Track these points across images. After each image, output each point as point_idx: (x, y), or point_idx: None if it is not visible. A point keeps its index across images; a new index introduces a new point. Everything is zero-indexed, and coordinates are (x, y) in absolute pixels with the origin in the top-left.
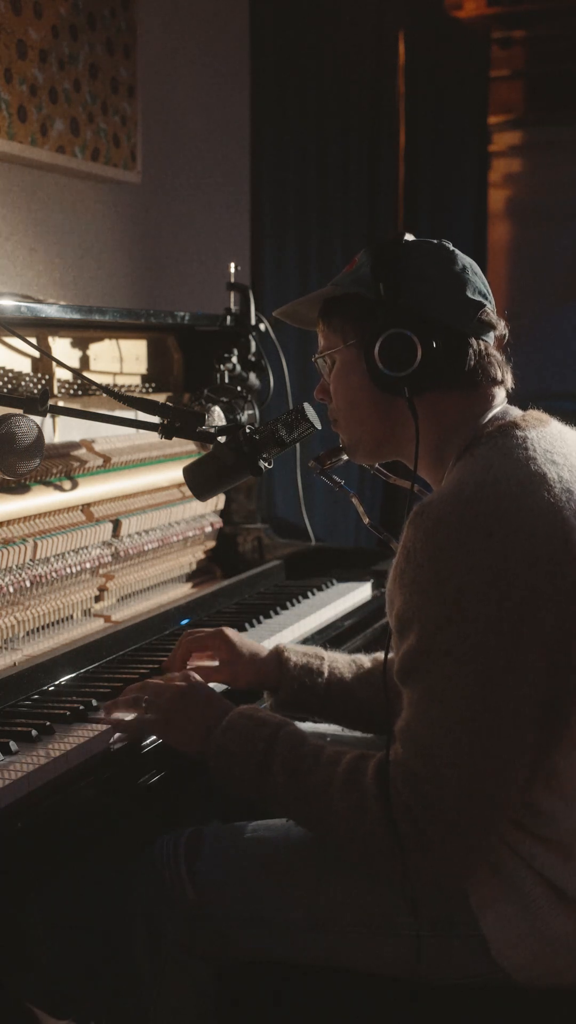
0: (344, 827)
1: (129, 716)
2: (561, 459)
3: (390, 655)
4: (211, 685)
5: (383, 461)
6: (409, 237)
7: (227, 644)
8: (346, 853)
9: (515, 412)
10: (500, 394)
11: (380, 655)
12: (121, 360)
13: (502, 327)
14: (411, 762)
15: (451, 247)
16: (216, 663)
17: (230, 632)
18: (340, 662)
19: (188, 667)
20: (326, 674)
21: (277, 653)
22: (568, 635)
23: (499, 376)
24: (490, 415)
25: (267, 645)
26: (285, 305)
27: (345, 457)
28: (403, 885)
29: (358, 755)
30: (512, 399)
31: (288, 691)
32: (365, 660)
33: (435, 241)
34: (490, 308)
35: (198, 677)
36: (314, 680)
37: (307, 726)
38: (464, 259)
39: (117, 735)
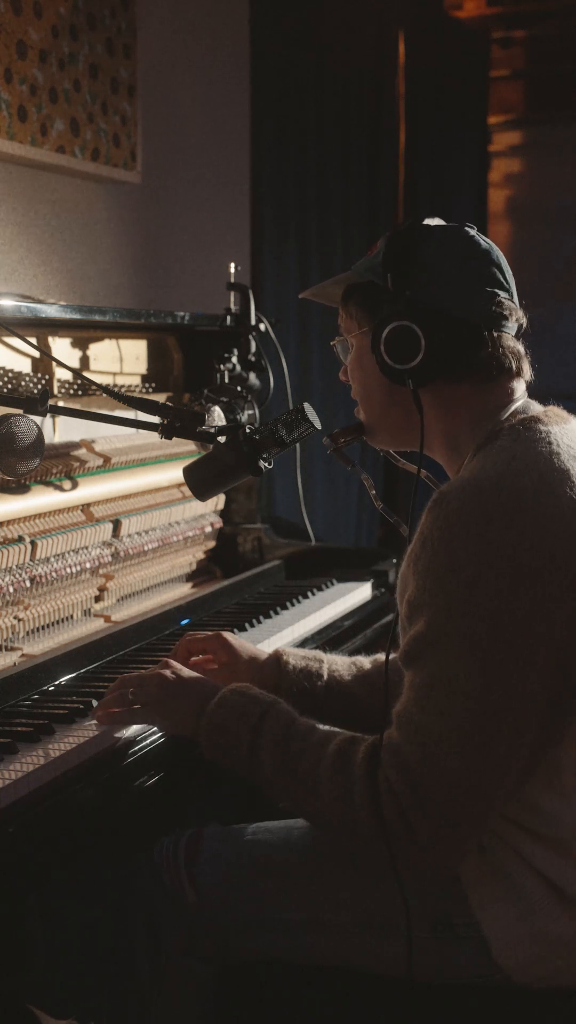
0: (330, 811)
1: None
2: None
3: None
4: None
5: (403, 449)
6: (430, 221)
7: (226, 648)
8: (333, 836)
9: (536, 407)
10: (520, 387)
11: (380, 656)
12: (121, 360)
13: (520, 316)
14: (404, 747)
15: (472, 232)
16: (215, 667)
17: (229, 636)
18: (339, 664)
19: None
20: (325, 677)
21: (276, 657)
22: None
23: (515, 368)
24: (511, 408)
25: (268, 644)
26: (314, 287)
27: (359, 436)
28: (387, 869)
29: (349, 738)
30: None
31: (287, 695)
32: (365, 662)
33: (455, 225)
34: (505, 297)
35: (179, 664)
36: (313, 683)
37: None
38: (483, 245)
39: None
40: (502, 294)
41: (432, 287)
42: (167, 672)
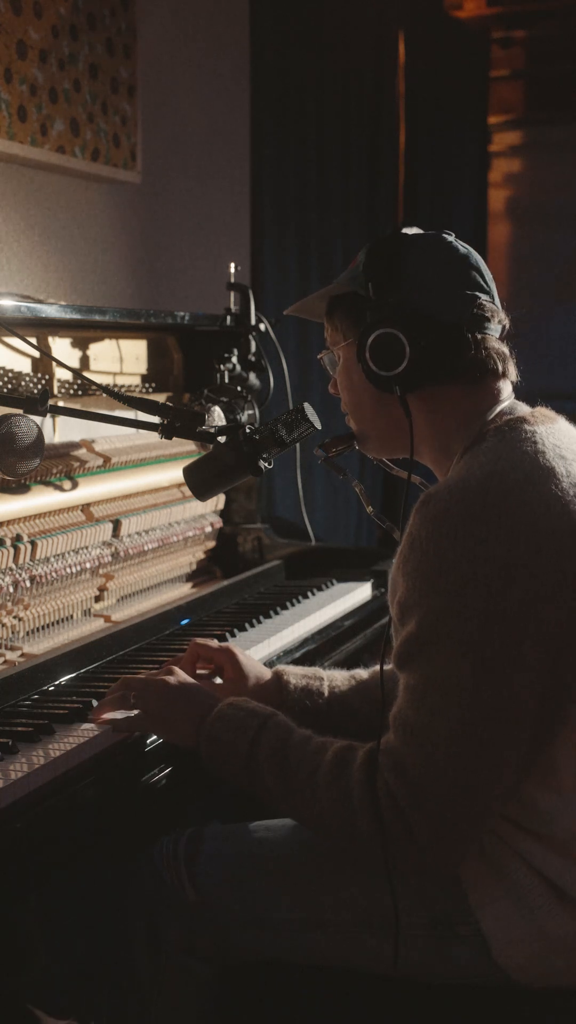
0: (329, 815)
1: (118, 714)
2: (570, 455)
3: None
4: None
5: (394, 456)
6: (409, 231)
7: (233, 663)
8: (333, 843)
9: (523, 408)
10: (506, 388)
11: (378, 668)
12: (121, 360)
13: (503, 318)
14: (402, 749)
15: (450, 239)
16: (218, 679)
17: (238, 651)
18: (339, 680)
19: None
20: (326, 694)
21: (277, 676)
22: (570, 630)
23: (500, 369)
24: (497, 410)
25: (268, 644)
26: (297, 303)
27: (352, 445)
28: (387, 874)
29: (346, 745)
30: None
31: (289, 714)
32: (364, 674)
33: (433, 233)
34: (486, 300)
35: (183, 672)
36: (315, 701)
37: None
38: (462, 250)
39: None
40: (483, 297)
41: (414, 293)
42: (170, 679)
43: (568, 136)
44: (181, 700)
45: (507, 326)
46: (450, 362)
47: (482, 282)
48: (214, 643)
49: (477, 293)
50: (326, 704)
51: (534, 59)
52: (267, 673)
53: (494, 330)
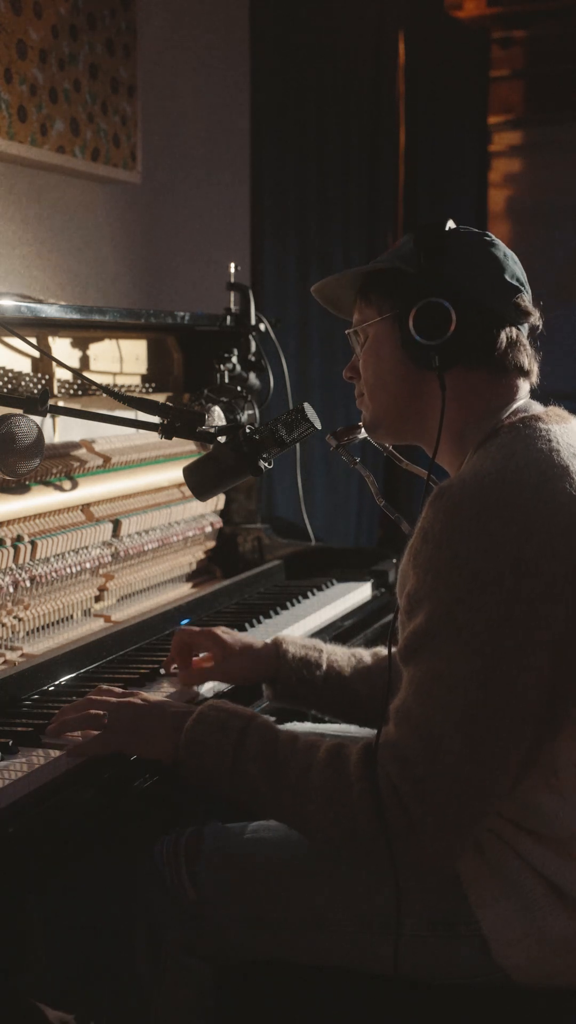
0: (324, 812)
1: (82, 734)
2: None
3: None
4: (208, 685)
5: (402, 442)
6: (451, 224)
7: (218, 643)
8: (326, 841)
9: (537, 407)
10: (525, 387)
11: (379, 650)
12: (121, 360)
13: (536, 317)
14: (404, 742)
15: (492, 237)
16: (211, 664)
17: (220, 630)
18: (339, 655)
19: (186, 670)
20: (324, 667)
21: (276, 645)
22: None
23: (526, 366)
24: (513, 407)
25: None
26: (321, 280)
27: (361, 435)
28: (385, 870)
29: (337, 743)
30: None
31: (286, 683)
32: (365, 655)
33: (476, 230)
34: (527, 297)
35: (144, 693)
36: (312, 673)
37: (306, 725)
38: (505, 248)
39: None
40: (524, 291)
41: (462, 272)
42: (135, 700)
43: (568, 136)
44: (154, 712)
45: (539, 326)
46: (487, 346)
47: (522, 279)
48: (196, 629)
49: (519, 286)
50: (323, 677)
51: (534, 59)
52: (256, 642)
53: (526, 327)
